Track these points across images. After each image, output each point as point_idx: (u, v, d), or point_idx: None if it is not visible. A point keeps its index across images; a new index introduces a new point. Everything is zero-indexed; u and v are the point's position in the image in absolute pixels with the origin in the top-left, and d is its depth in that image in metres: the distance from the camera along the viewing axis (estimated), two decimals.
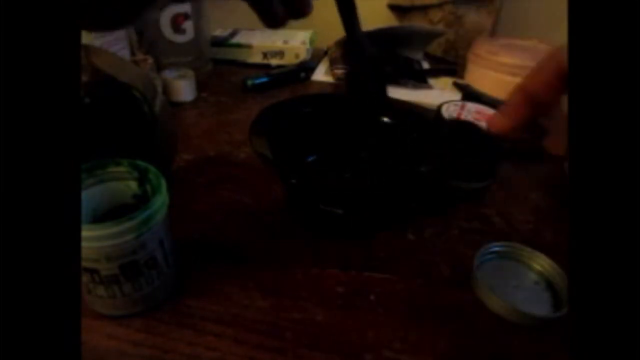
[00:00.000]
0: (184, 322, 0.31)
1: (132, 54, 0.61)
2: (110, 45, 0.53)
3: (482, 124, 0.40)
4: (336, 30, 0.74)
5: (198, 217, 0.41)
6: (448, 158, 0.38)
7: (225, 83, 0.70)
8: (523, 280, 0.35)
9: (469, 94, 0.64)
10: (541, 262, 0.36)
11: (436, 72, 0.72)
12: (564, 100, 0.33)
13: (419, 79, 0.69)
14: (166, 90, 0.62)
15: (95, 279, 0.28)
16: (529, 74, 0.29)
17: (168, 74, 0.63)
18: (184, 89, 0.63)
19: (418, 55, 0.76)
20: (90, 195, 0.31)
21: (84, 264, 0.27)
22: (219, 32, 0.81)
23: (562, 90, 0.28)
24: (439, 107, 0.43)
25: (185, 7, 0.64)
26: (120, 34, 0.55)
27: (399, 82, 0.68)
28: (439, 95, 0.66)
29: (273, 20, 0.28)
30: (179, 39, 0.66)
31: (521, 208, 0.44)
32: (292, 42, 0.76)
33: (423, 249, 0.38)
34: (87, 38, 0.49)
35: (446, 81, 0.70)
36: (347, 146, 0.44)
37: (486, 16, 0.75)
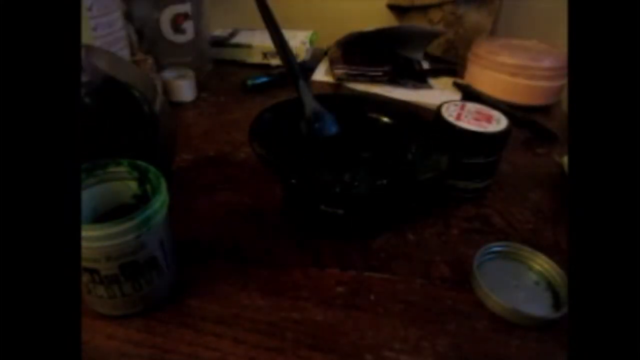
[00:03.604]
0: (184, 322, 0.31)
1: (132, 54, 0.61)
2: (110, 46, 0.53)
3: (482, 123, 0.40)
4: (336, 30, 0.74)
5: (198, 217, 0.41)
6: (448, 159, 0.38)
7: (225, 83, 0.70)
8: (523, 280, 0.35)
9: (469, 94, 0.64)
10: (541, 262, 0.36)
11: (436, 72, 0.72)
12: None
13: (419, 79, 0.69)
14: (166, 90, 0.62)
15: (95, 279, 0.28)
16: None
17: (168, 74, 0.63)
18: (184, 89, 0.63)
19: (418, 55, 0.76)
20: (90, 195, 0.31)
21: (84, 264, 0.27)
22: (219, 32, 0.81)
23: None
24: (439, 107, 0.43)
25: (185, 7, 0.64)
26: (120, 34, 0.55)
27: (399, 82, 0.68)
28: (439, 95, 0.66)
29: None
30: (179, 39, 0.66)
31: (521, 208, 0.44)
32: (292, 42, 0.76)
33: (423, 249, 0.38)
34: (87, 38, 0.49)
35: (446, 81, 0.70)
36: (346, 146, 0.44)
37: (486, 16, 0.75)
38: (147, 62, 0.60)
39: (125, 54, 0.57)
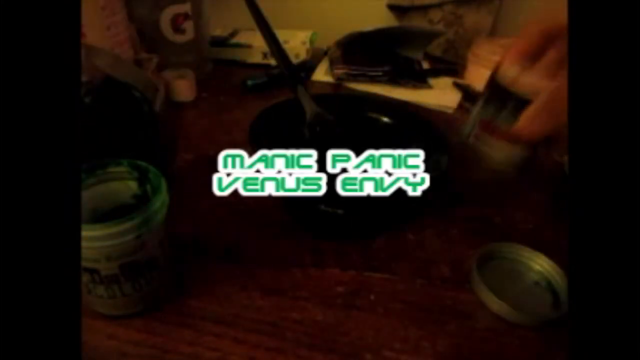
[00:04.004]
0: (184, 322, 0.31)
1: (136, 53, 0.61)
2: (117, 45, 0.53)
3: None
4: (336, 30, 0.74)
5: (198, 217, 0.41)
6: (448, 159, 0.38)
7: (225, 83, 0.70)
8: (523, 280, 0.35)
9: (469, 94, 0.64)
10: (541, 262, 0.36)
11: (436, 72, 0.72)
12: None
13: (419, 79, 0.69)
14: (166, 90, 0.62)
15: (95, 279, 0.28)
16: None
17: (168, 74, 0.63)
18: (184, 89, 0.63)
19: (418, 55, 0.76)
20: (90, 195, 0.31)
21: (84, 264, 0.27)
22: (219, 32, 0.81)
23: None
24: (496, 69, 0.39)
25: (186, 7, 0.64)
26: (126, 34, 0.55)
27: (399, 82, 0.68)
28: (439, 95, 0.66)
29: None
30: (179, 39, 0.66)
31: (521, 208, 0.44)
32: (292, 42, 0.76)
33: (423, 249, 0.38)
34: (101, 38, 0.49)
35: (446, 81, 0.70)
36: (346, 146, 0.44)
37: (486, 16, 0.75)
38: (152, 62, 0.60)
39: (130, 54, 0.57)
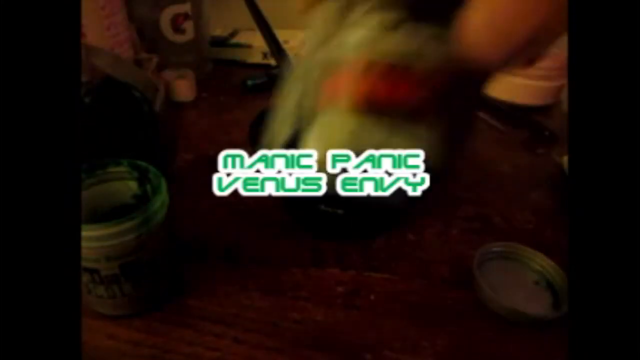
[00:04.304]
0: (184, 322, 0.31)
1: (136, 53, 0.61)
2: (117, 45, 0.53)
3: None
4: None
5: (198, 217, 0.41)
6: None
7: (225, 83, 0.70)
8: (523, 280, 0.35)
9: None
10: (541, 262, 0.36)
11: None
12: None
13: None
14: (166, 90, 0.62)
15: (95, 279, 0.28)
16: None
17: (168, 74, 0.63)
18: (184, 89, 0.63)
19: None
20: (90, 195, 0.31)
21: (84, 264, 0.27)
22: (219, 32, 0.81)
23: None
24: None
25: (186, 7, 0.64)
26: (126, 34, 0.55)
27: None
28: None
29: None
30: (179, 39, 0.66)
31: (521, 208, 0.44)
32: (292, 42, 0.76)
33: (423, 249, 0.38)
34: (101, 38, 0.49)
35: None
36: None
37: None
38: (151, 61, 0.60)
39: (130, 54, 0.57)
